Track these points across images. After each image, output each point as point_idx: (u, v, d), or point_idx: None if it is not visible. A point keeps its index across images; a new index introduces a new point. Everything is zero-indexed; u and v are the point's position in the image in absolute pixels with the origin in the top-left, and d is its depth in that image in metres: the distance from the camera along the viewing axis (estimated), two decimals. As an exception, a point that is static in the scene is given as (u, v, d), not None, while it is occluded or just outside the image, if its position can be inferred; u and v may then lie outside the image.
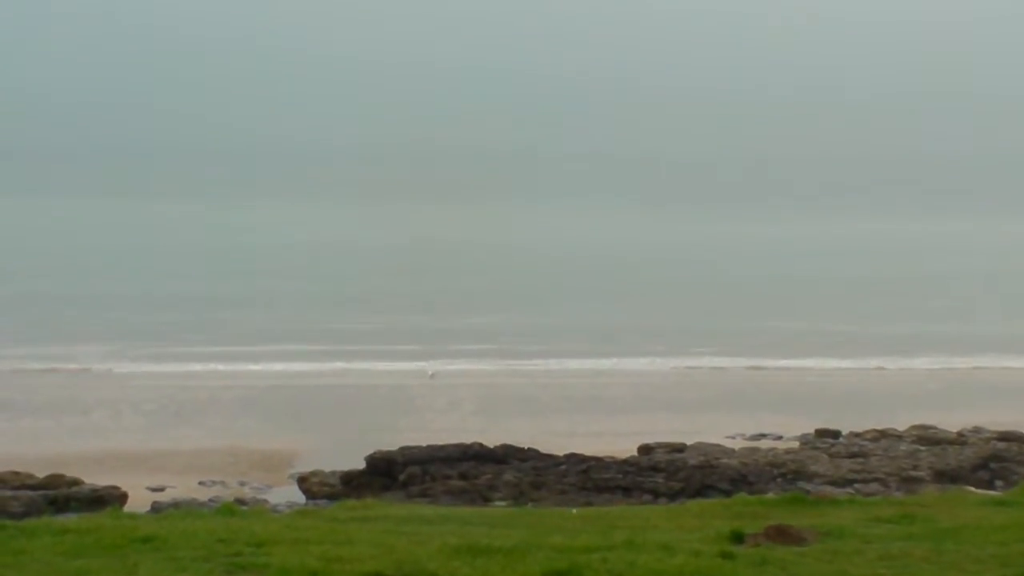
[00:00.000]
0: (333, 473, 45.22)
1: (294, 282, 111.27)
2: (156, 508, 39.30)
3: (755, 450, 50.18)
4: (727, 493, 37.59)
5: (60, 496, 42.09)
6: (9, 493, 42.12)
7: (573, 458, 45.82)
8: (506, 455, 46.19)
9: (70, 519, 22.54)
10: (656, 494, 41.91)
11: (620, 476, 43.60)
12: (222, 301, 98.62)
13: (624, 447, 48.90)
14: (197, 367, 70.89)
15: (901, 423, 54.23)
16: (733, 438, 53.04)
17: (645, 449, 49.15)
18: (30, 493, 42.24)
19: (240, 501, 39.88)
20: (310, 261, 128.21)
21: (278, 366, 71.61)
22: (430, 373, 70.58)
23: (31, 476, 43.75)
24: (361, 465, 45.05)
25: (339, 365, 72.05)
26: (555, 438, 50.17)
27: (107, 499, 40.87)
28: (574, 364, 73.96)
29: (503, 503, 39.36)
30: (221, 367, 71.02)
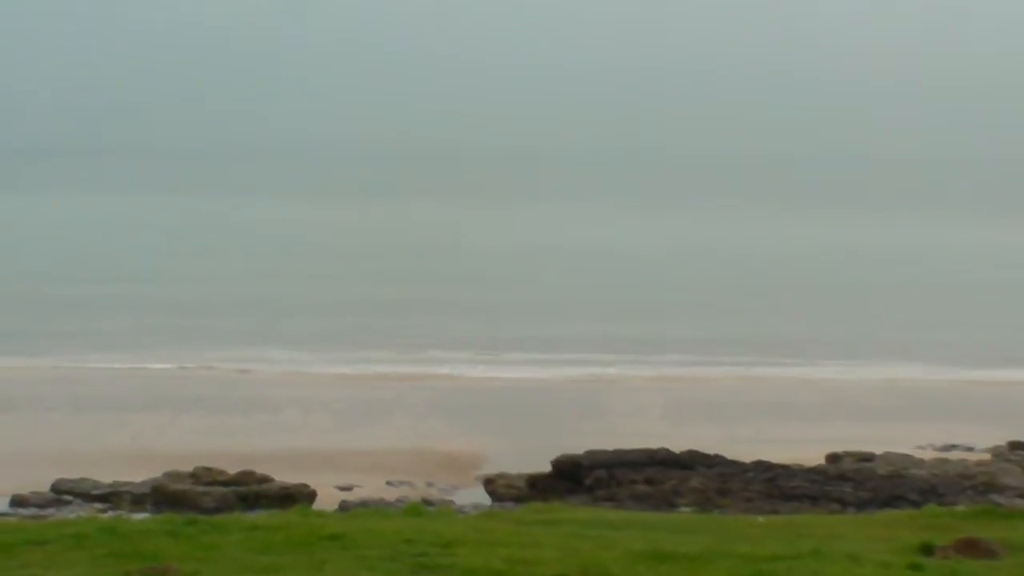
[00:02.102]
0: (519, 475, 45.43)
1: (477, 286, 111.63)
2: (344, 507, 39.90)
3: (945, 461, 49.37)
4: (916, 504, 37.05)
5: (251, 493, 42.92)
6: (202, 489, 43.05)
7: (760, 465, 45.48)
8: (692, 461, 46.00)
9: (260, 515, 22.96)
10: (844, 503, 41.47)
11: (807, 484, 43.21)
12: (408, 304, 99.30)
13: (811, 455, 48.43)
14: (384, 369, 71.57)
15: (1098, 436, 52.92)
16: (923, 448, 52.21)
17: (833, 458, 48.64)
18: (222, 489, 43.13)
19: (426, 502, 40.31)
20: (492, 265, 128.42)
21: (464, 369, 72.06)
22: (614, 378, 70.46)
23: (223, 472, 44.64)
24: (547, 468, 45.17)
25: (524, 370, 72.21)
26: (741, 445, 49.81)
27: (296, 496, 41.58)
28: (759, 371, 73.37)
29: (688, 509, 39.20)
30: (408, 369, 71.62)
